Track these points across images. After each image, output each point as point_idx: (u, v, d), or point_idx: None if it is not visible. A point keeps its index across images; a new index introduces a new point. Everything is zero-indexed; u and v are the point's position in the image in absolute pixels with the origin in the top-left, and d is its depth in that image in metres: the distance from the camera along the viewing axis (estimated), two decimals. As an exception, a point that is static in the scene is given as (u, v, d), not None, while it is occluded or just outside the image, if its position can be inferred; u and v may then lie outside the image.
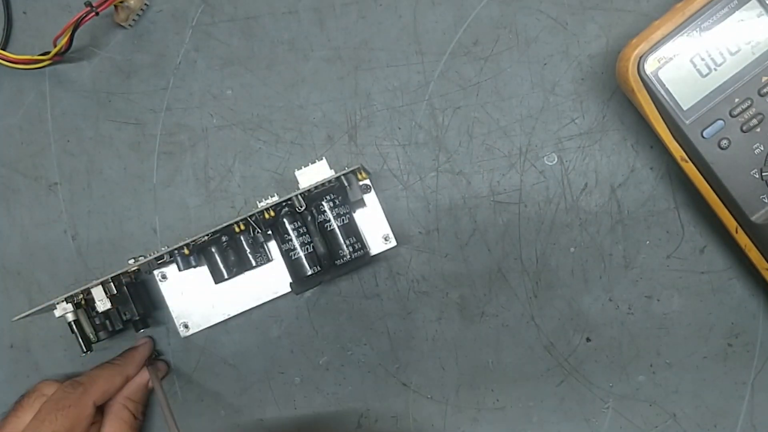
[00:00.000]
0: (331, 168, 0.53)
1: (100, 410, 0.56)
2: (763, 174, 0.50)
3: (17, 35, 0.60)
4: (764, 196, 0.50)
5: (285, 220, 0.53)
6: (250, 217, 0.53)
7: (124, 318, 0.55)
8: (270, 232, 0.54)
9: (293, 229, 0.53)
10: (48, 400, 0.53)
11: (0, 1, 0.59)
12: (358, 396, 0.59)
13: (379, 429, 0.59)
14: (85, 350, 0.54)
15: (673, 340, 0.57)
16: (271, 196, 0.53)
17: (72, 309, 0.53)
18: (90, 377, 0.55)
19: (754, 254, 0.52)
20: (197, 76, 0.59)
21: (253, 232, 0.54)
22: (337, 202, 0.53)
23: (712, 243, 0.57)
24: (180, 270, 0.55)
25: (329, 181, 0.53)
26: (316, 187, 0.53)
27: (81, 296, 0.54)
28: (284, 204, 0.53)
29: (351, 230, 0.54)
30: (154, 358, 0.59)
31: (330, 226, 0.53)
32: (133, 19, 0.59)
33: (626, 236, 0.57)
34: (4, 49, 0.59)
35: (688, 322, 0.57)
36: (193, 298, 0.57)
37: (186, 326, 0.57)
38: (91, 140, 0.59)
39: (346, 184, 0.53)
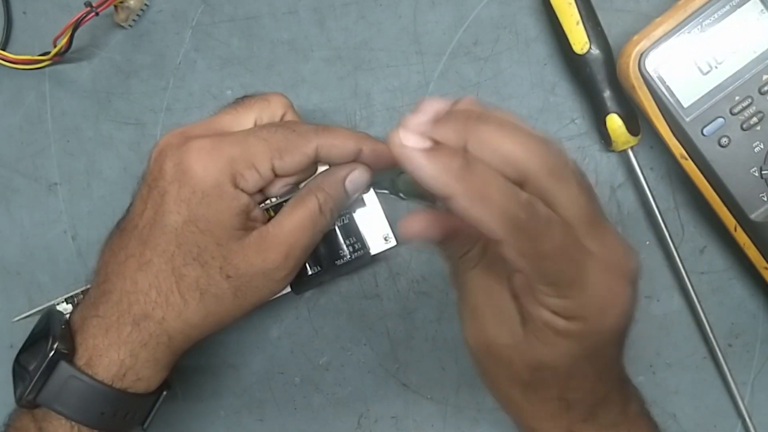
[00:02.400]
0: None
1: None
2: (763, 172, 0.50)
3: (17, 35, 0.60)
4: (763, 194, 0.51)
5: None
6: None
7: None
8: None
9: None
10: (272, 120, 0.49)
11: (0, 2, 0.59)
12: (357, 396, 0.59)
13: (379, 429, 0.59)
14: None
15: (673, 340, 0.57)
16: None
17: (72, 309, 0.53)
18: (326, 126, 0.48)
19: (753, 253, 0.52)
20: (197, 76, 0.59)
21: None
22: None
23: (712, 243, 0.57)
24: None
25: None
26: None
27: (81, 297, 0.54)
28: (284, 204, 0.53)
29: (351, 230, 0.54)
30: None
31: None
32: (133, 20, 0.59)
33: (626, 236, 0.57)
34: (4, 50, 0.59)
35: (688, 322, 0.57)
36: None
37: None
38: (91, 140, 0.59)
39: None
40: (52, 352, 0.44)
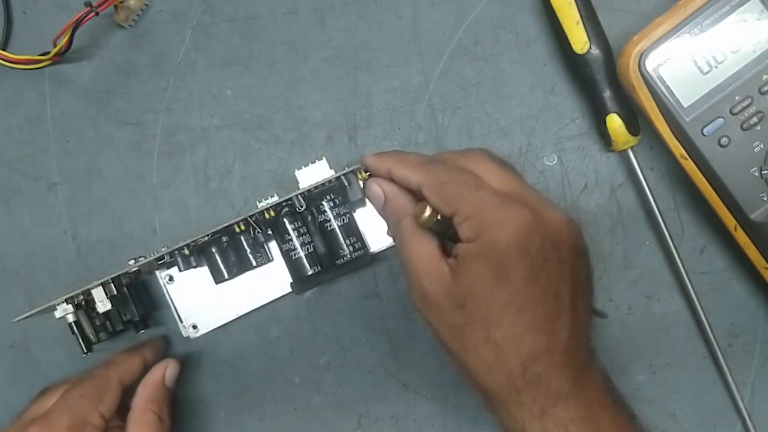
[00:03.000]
0: (331, 168, 0.54)
1: (122, 416, 0.54)
2: (763, 172, 0.50)
3: (17, 35, 0.60)
4: (763, 194, 0.51)
5: (285, 220, 0.53)
6: (251, 217, 0.53)
7: (125, 319, 0.55)
8: (270, 232, 0.54)
9: (293, 229, 0.53)
10: (73, 380, 0.53)
11: (0, 2, 0.59)
12: (357, 396, 0.59)
13: (379, 429, 0.59)
14: (85, 351, 0.54)
15: (673, 340, 0.57)
16: (271, 196, 0.54)
17: (72, 310, 0.53)
18: (109, 360, 0.55)
19: (752, 253, 0.52)
20: (197, 76, 0.59)
21: (254, 232, 0.54)
22: (338, 201, 0.53)
23: (711, 243, 0.57)
24: (180, 270, 0.55)
25: (329, 181, 0.53)
26: (316, 187, 0.53)
27: (81, 297, 0.54)
28: (284, 204, 0.53)
29: (351, 230, 0.54)
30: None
31: (330, 225, 0.53)
32: (133, 20, 0.59)
33: (626, 236, 0.57)
34: (4, 50, 0.59)
35: (688, 322, 0.57)
36: (200, 300, 0.57)
37: (195, 327, 0.57)
38: (90, 140, 0.59)
39: (346, 183, 0.53)
40: None
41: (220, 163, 0.59)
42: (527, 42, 0.57)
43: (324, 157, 0.54)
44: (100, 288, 0.53)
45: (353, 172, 0.53)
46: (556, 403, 0.44)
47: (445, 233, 0.47)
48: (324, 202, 0.53)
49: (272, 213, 0.53)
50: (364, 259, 0.54)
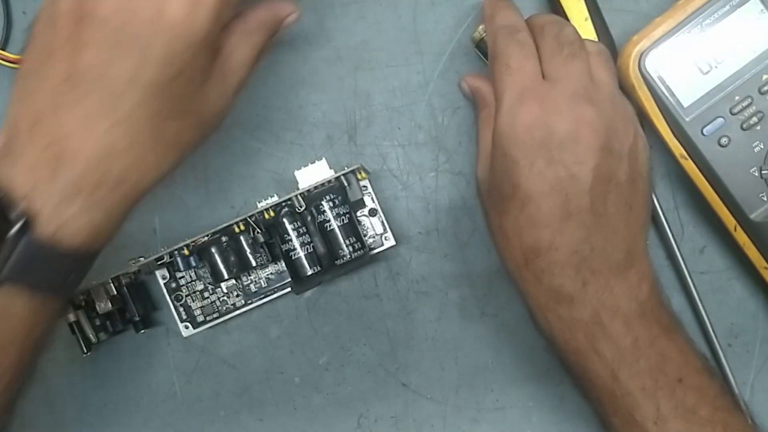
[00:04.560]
0: (330, 168, 0.54)
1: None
2: (763, 172, 0.50)
3: (17, 35, 0.60)
4: (763, 194, 0.51)
5: (285, 220, 0.53)
6: (250, 217, 0.53)
7: (126, 318, 0.55)
8: (270, 232, 0.54)
9: (293, 230, 0.53)
10: None
11: (0, 1, 0.59)
12: (357, 396, 0.59)
13: (379, 429, 0.59)
14: (85, 351, 0.54)
15: (673, 340, 0.57)
16: (271, 197, 0.54)
17: (72, 310, 0.53)
18: None
19: (752, 253, 0.53)
20: (197, 76, 0.59)
21: (253, 232, 0.54)
22: (337, 202, 0.53)
23: (711, 243, 0.57)
24: (180, 270, 0.55)
25: (329, 181, 0.53)
26: (315, 187, 0.53)
27: (81, 297, 0.54)
28: (284, 204, 0.53)
29: (351, 230, 0.54)
30: None
31: (330, 226, 0.53)
32: (133, 19, 0.59)
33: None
34: (3, 49, 0.59)
35: (688, 322, 0.57)
36: (195, 298, 0.57)
37: (187, 326, 0.57)
38: (90, 140, 0.59)
39: (345, 184, 0.54)
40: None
41: (219, 163, 0.59)
42: (527, 42, 0.57)
43: (324, 158, 0.54)
44: (101, 288, 0.53)
45: (353, 172, 0.53)
46: (559, 302, 0.45)
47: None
48: (323, 202, 0.53)
49: (272, 213, 0.53)
50: (364, 259, 0.54)
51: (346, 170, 0.52)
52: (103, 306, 0.53)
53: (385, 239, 0.56)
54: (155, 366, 0.59)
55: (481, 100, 0.53)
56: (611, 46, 0.53)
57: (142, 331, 0.56)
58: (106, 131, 0.40)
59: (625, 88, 0.52)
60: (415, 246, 0.58)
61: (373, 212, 0.56)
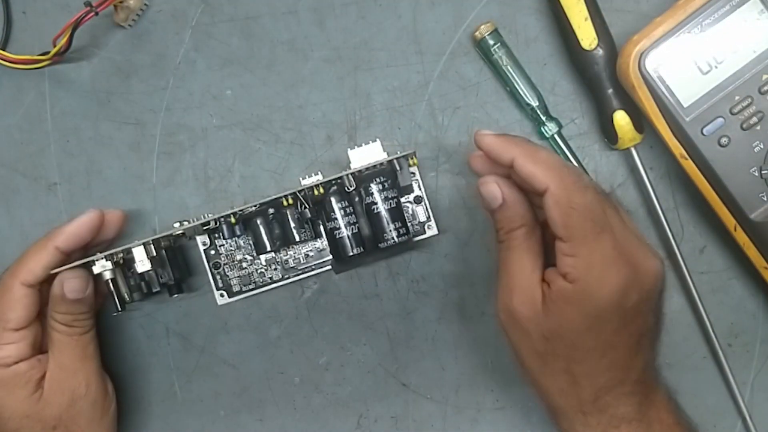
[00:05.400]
0: (384, 150, 0.53)
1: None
2: (763, 172, 0.50)
3: (17, 35, 0.60)
4: (763, 194, 0.51)
5: (332, 198, 0.53)
6: (299, 192, 0.53)
7: (161, 281, 0.55)
8: (315, 210, 0.55)
9: (340, 209, 0.53)
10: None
11: (0, 1, 0.59)
12: (357, 396, 0.59)
13: (379, 429, 0.59)
14: (119, 309, 0.53)
15: (673, 340, 0.57)
16: (315, 174, 0.54)
17: (111, 267, 0.52)
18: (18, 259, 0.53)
19: (752, 252, 0.53)
20: (197, 76, 0.59)
21: (301, 207, 0.54)
22: (386, 185, 0.53)
23: (711, 243, 0.57)
24: (223, 238, 0.56)
25: (381, 164, 0.53)
26: (366, 169, 0.53)
27: (121, 255, 0.53)
28: (333, 183, 0.53)
29: (397, 214, 0.54)
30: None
31: (377, 208, 0.53)
32: (133, 19, 0.59)
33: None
34: (3, 49, 0.59)
35: (688, 322, 0.57)
36: (233, 267, 0.57)
37: (223, 295, 0.57)
38: (90, 140, 0.59)
39: (397, 168, 0.53)
40: None
41: (219, 163, 0.59)
42: (527, 42, 0.57)
43: (378, 139, 0.53)
44: (141, 247, 0.52)
45: (405, 157, 0.53)
46: (620, 426, 0.46)
47: None
48: (372, 185, 0.53)
49: (321, 190, 0.52)
50: (407, 245, 0.54)
51: (399, 154, 0.52)
52: (141, 266, 0.53)
53: (428, 228, 0.56)
54: (155, 366, 0.59)
55: (514, 218, 0.47)
56: (611, 45, 0.53)
57: (176, 295, 0.56)
58: None
59: (625, 87, 0.52)
60: (415, 246, 0.57)
61: (418, 199, 0.56)
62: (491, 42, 0.55)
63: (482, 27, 0.55)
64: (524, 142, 0.47)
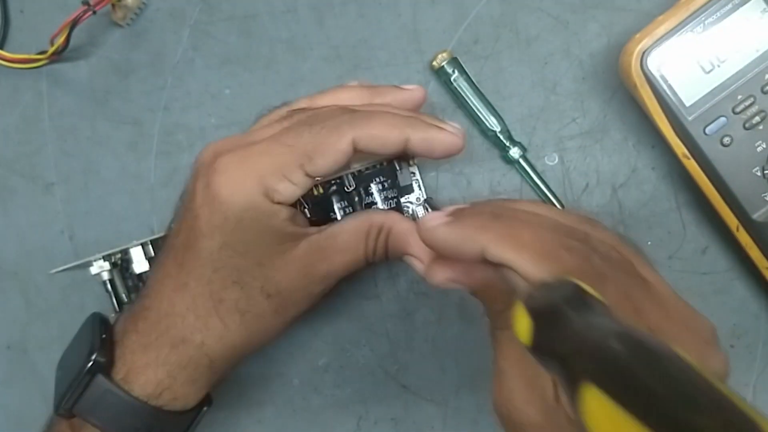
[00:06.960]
0: None
1: None
2: (765, 172, 0.50)
3: (14, 34, 0.60)
4: (766, 194, 0.50)
5: (333, 198, 0.53)
6: None
7: None
8: (316, 209, 0.54)
9: (339, 209, 0.53)
10: (300, 115, 0.47)
11: (-3, 0, 0.59)
12: (357, 398, 0.59)
13: (379, 431, 0.58)
14: (117, 310, 0.53)
15: (675, 341, 0.57)
16: None
17: (108, 268, 0.53)
18: (363, 114, 0.45)
19: (755, 253, 0.52)
20: (195, 75, 0.59)
21: (300, 207, 0.54)
22: (386, 185, 0.53)
23: (714, 244, 0.56)
24: None
25: (381, 163, 0.53)
26: (367, 168, 0.53)
27: (119, 256, 0.53)
28: (333, 182, 0.53)
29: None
30: None
31: (377, 208, 0.53)
32: (131, 18, 0.58)
33: (627, 236, 0.56)
34: (0, 48, 0.59)
35: (690, 323, 0.57)
36: None
37: None
38: (88, 140, 0.59)
39: (397, 168, 0.53)
40: (90, 364, 0.44)
41: (218, 163, 0.58)
42: (528, 41, 0.57)
43: None
44: (139, 248, 0.53)
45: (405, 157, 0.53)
46: None
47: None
48: (372, 185, 0.53)
49: (320, 190, 0.52)
50: None
51: None
52: (139, 267, 0.53)
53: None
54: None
55: (495, 302, 0.40)
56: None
57: None
58: (171, 290, 0.45)
59: (627, 86, 0.52)
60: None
61: (417, 200, 0.56)
62: (449, 70, 0.55)
63: (439, 56, 0.55)
64: (493, 219, 0.36)
